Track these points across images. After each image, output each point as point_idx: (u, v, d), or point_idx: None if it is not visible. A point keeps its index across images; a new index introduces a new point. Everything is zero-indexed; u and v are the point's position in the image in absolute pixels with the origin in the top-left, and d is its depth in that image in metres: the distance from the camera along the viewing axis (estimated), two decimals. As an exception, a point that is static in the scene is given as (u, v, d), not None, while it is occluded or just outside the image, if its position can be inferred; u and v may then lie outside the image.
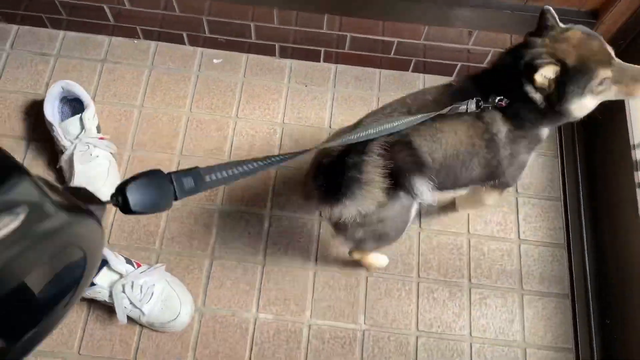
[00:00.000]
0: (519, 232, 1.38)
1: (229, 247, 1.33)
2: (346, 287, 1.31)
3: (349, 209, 0.89)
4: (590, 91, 0.89)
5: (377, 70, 1.55)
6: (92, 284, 1.16)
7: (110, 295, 1.15)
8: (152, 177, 0.41)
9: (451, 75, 1.54)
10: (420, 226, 1.37)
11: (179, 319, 1.20)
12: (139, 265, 1.22)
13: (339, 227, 1.00)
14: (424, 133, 0.92)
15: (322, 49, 1.50)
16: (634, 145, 1.27)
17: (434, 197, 0.96)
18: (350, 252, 1.22)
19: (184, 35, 1.51)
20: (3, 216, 0.24)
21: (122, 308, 1.15)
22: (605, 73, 0.87)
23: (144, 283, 1.18)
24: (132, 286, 1.16)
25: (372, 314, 1.28)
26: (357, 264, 1.32)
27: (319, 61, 1.55)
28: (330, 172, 0.90)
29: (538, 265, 1.35)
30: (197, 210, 1.36)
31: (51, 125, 1.29)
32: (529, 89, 0.89)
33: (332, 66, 1.56)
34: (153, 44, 1.55)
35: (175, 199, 0.44)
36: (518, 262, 1.35)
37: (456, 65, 1.51)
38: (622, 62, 0.90)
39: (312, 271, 1.32)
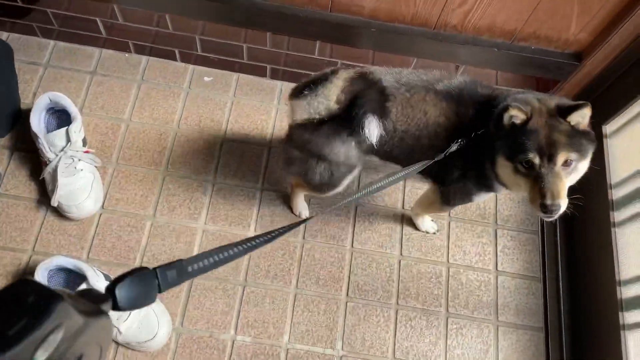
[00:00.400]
0: (496, 263, 1.41)
1: (210, 267, 1.33)
2: (325, 311, 1.31)
3: (303, 102, 0.97)
4: (514, 161, 0.87)
5: (366, 96, 1.57)
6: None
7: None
8: (139, 275, 0.46)
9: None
10: (401, 254, 1.39)
11: (156, 339, 1.19)
12: (118, 283, 1.21)
13: (290, 130, 1.07)
14: (400, 101, 0.97)
15: (313, 73, 1.52)
16: (610, 184, 1.31)
17: (377, 137, 0.98)
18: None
19: (176, 52, 1.51)
20: (52, 335, 0.34)
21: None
22: (532, 157, 0.85)
23: (122, 301, 1.17)
24: (110, 304, 1.15)
25: (350, 340, 1.29)
26: (338, 288, 1.33)
27: (309, 84, 1.57)
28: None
29: (514, 297, 1.37)
30: (179, 228, 1.36)
31: (37, 136, 1.28)
32: (491, 124, 0.90)
33: (322, 90, 1.57)
34: (144, 58, 1.55)
35: (159, 291, 0.49)
36: (495, 293, 1.37)
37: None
38: (560, 174, 0.85)
39: (293, 294, 1.32)
